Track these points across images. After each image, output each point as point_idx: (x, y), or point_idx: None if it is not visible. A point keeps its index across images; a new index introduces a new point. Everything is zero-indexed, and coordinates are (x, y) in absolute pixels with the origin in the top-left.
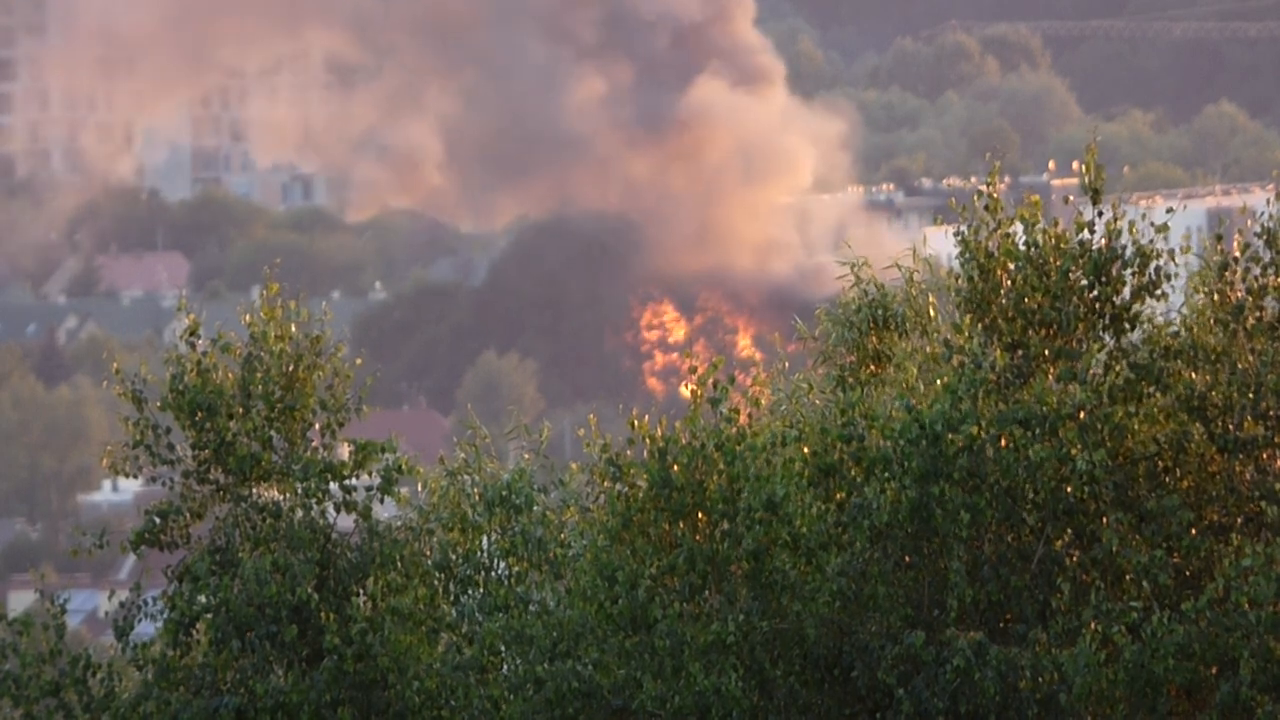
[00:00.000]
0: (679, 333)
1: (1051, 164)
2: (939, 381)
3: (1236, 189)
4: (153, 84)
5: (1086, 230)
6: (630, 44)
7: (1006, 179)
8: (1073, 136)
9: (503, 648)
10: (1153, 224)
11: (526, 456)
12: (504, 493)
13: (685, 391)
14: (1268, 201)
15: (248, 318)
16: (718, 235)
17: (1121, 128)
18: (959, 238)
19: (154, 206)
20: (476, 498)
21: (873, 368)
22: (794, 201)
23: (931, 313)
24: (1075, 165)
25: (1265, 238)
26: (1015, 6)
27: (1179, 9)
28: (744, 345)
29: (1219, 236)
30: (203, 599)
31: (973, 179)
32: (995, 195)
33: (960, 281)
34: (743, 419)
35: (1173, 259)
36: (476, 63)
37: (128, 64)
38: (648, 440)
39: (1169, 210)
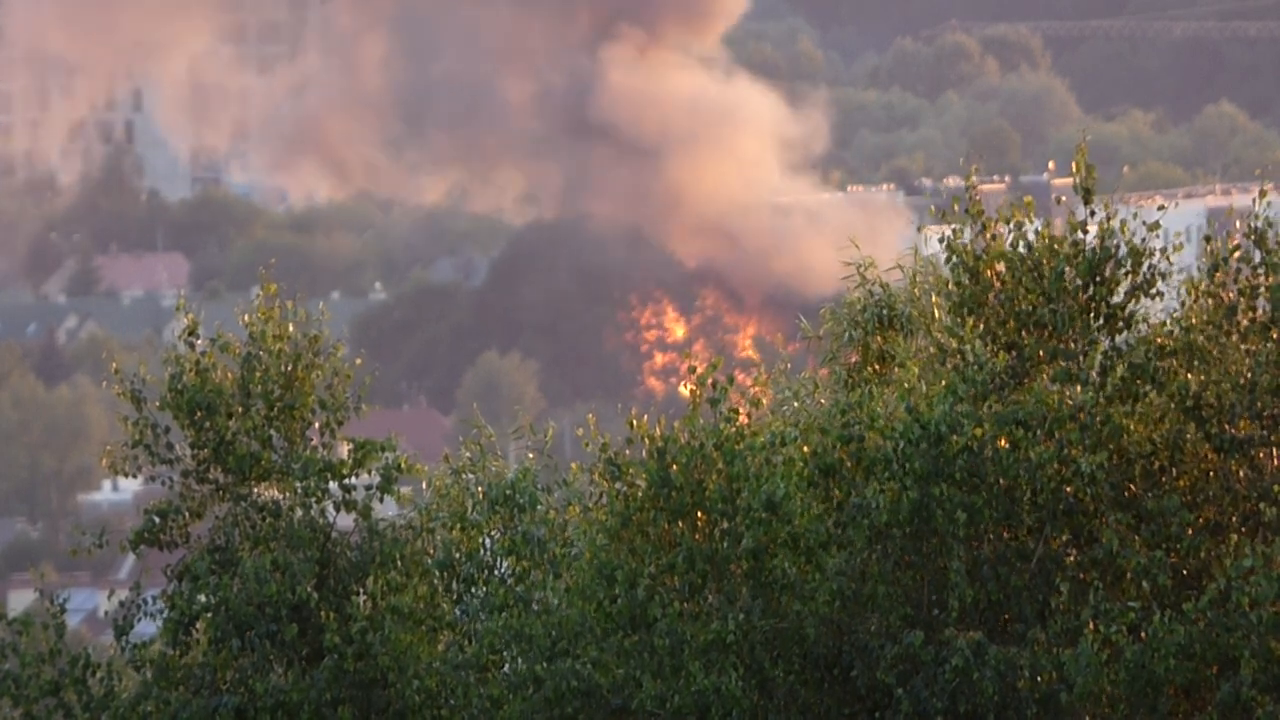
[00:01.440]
0: (678, 332)
1: (1051, 164)
2: (941, 382)
3: (1236, 189)
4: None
5: (1080, 230)
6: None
7: (1006, 178)
8: (1072, 136)
9: (502, 647)
10: (1144, 223)
11: (530, 456)
12: (508, 492)
13: (685, 391)
14: (1253, 201)
15: (246, 317)
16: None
17: (1121, 128)
18: (944, 242)
19: (154, 206)
20: (480, 497)
21: (876, 368)
22: (793, 201)
23: (936, 313)
24: (1074, 165)
25: (1254, 238)
26: (1015, 6)
27: (1179, 9)
28: (744, 345)
29: (1208, 238)
30: (202, 598)
31: (972, 179)
32: (976, 199)
33: (950, 286)
34: (742, 419)
35: (1166, 257)
36: (394, 26)
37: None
38: (647, 440)
39: (1160, 208)
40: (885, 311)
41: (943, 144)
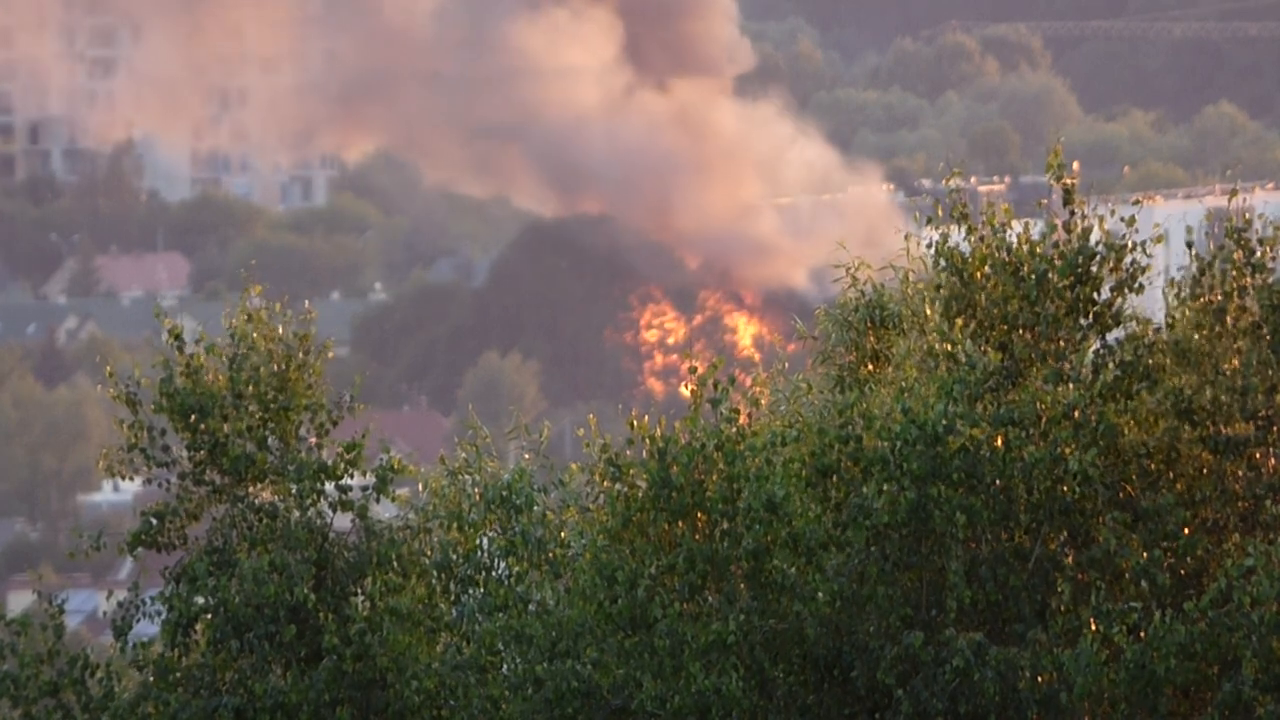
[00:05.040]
0: (679, 333)
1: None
2: (935, 384)
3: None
4: None
5: (1061, 229)
6: None
7: (1006, 179)
8: (1073, 136)
9: (502, 647)
10: (1122, 219)
11: (527, 457)
12: (504, 493)
13: (685, 392)
14: (1228, 201)
15: (231, 321)
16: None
17: (1121, 128)
18: (931, 245)
19: (154, 207)
20: (477, 497)
21: (871, 367)
22: (793, 202)
23: (928, 311)
24: (1075, 165)
25: (1235, 238)
26: (1015, 6)
27: (1179, 9)
28: (744, 346)
29: (1189, 243)
30: (201, 599)
31: (973, 179)
32: (963, 203)
33: (941, 290)
34: (742, 419)
35: (1145, 251)
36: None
37: None
38: (647, 440)
39: (1136, 202)
40: (877, 312)
41: (943, 144)
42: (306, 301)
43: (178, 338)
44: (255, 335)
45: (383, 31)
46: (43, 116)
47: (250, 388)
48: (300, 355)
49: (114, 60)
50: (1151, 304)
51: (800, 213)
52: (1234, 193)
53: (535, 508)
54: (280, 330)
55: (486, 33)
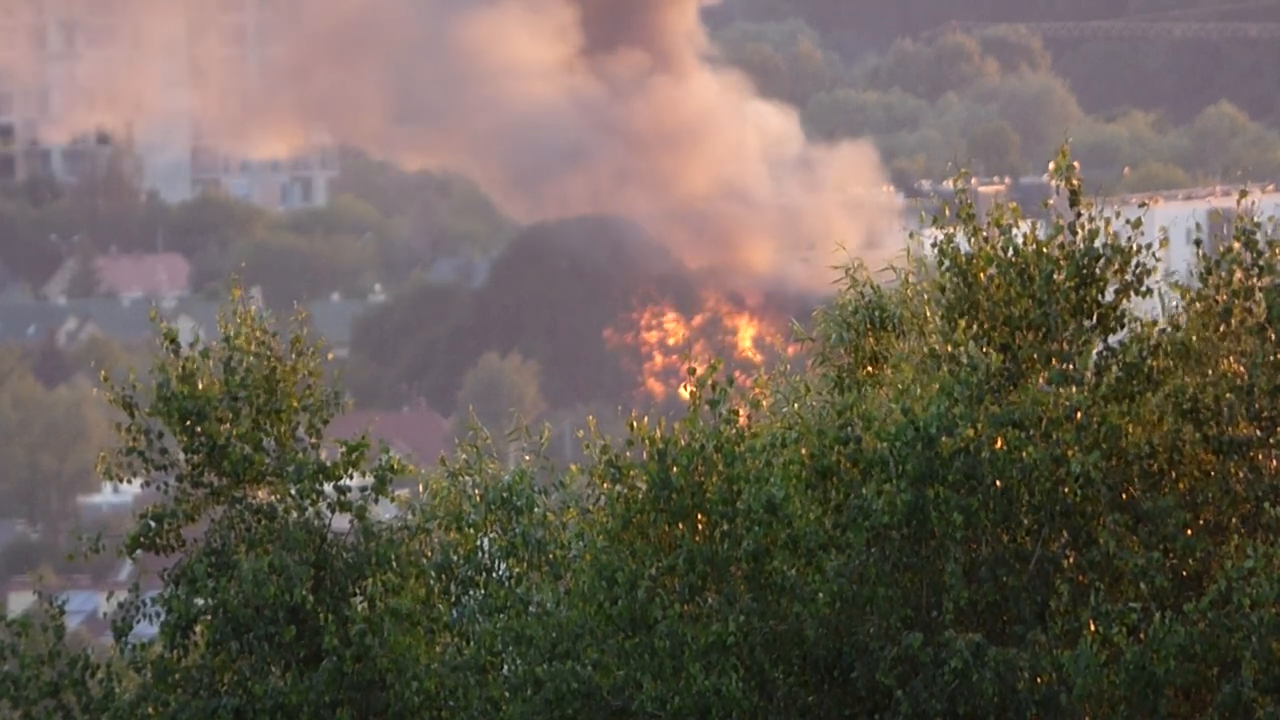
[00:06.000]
0: (679, 333)
1: (1052, 165)
2: (935, 385)
3: (1237, 190)
4: None
5: (1066, 231)
6: None
7: (1006, 179)
8: (1073, 137)
9: (502, 648)
10: (1128, 220)
11: (527, 458)
12: (504, 494)
13: (685, 393)
14: (1236, 202)
15: (226, 325)
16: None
17: (1121, 128)
18: (935, 246)
19: (154, 208)
20: (477, 499)
21: (870, 369)
22: (791, 203)
23: (927, 313)
24: (1075, 166)
25: (1244, 240)
26: (1015, 7)
27: (1179, 9)
28: (744, 346)
29: (1198, 242)
30: (200, 601)
31: (973, 180)
32: (968, 204)
33: (943, 292)
34: (742, 420)
35: (1152, 254)
36: None
37: None
38: (647, 441)
39: (1142, 205)
40: (877, 313)
41: (943, 145)
42: (295, 302)
43: (173, 341)
44: (244, 339)
45: (340, 21)
46: (43, 115)
47: (244, 390)
48: (293, 357)
49: (81, 55)
50: (1155, 307)
51: (794, 209)
52: (1243, 194)
53: (535, 509)
54: (260, 333)
55: (444, 25)
